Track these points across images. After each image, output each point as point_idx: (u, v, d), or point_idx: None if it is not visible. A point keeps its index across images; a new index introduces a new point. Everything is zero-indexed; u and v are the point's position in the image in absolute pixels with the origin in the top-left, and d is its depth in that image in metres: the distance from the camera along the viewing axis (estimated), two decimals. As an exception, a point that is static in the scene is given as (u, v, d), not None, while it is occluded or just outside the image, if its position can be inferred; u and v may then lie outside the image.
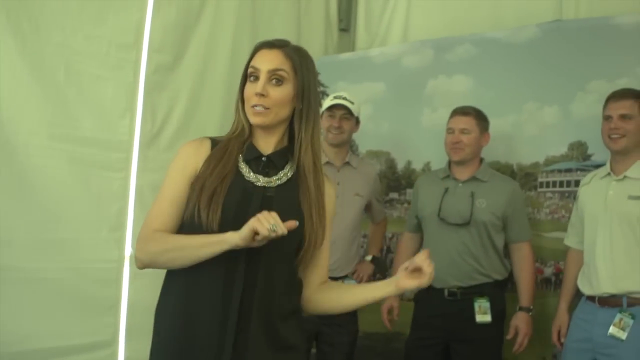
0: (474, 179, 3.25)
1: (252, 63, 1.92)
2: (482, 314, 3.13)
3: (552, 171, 3.44)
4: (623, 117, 2.83)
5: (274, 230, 1.69)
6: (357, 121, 3.47)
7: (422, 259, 1.84)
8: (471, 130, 3.24)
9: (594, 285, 2.86)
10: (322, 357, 3.37)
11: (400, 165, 3.97)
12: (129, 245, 3.30)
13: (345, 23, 4.63)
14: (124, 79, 3.35)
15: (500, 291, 3.23)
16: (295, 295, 1.98)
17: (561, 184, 3.31)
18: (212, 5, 3.78)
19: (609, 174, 2.92)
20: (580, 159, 3.34)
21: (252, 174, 1.93)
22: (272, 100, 1.88)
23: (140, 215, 3.28)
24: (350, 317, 3.35)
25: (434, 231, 3.26)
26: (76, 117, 3.16)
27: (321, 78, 4.28)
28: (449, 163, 3.34)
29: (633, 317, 2.72)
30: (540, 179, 3.48)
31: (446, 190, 3.26)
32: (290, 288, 1.96)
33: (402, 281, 1.88)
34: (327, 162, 3.39)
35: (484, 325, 3.12)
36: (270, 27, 4.04)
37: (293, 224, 1.75)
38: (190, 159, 1.94)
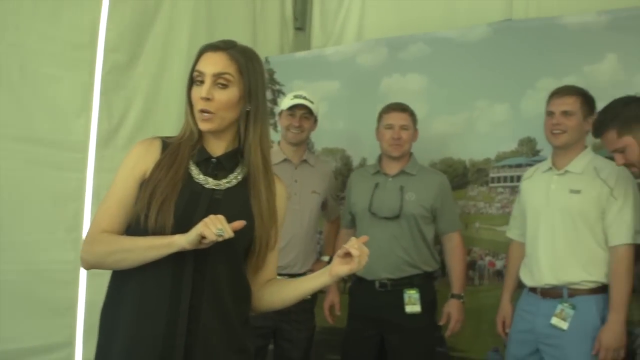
0: (403, 173, 3.32)
1: (197, 67, 1.89)
2: (412, 305, 3.21)
3: (503, 167, 3.53)
4: (565, 113, 2.92)
5: (221, 235, 1.70)
6: (315, 120, 3.51)
7: (351, 244, 1.83)
8: (409, 127, 3.32)
9: (535, 277, 2.95)
10: (280, 353, 3.42)
11: (356, 162, 4.02)
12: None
13: (301, 22, 4.67)
14: (80, 79, 3.35)
15: (430, 282, 3.33)
16: (247, 296, 1.97)
17: (511, 179, 3.39)
18: (167, 5, 3.78)
19: (550, 168, 3.01)
20: (529, 154, 3.43)
21: (201, 175, 1.91)
22: (217, 104, 1.86)
23: None
24: (307, 314, 3.41)
25: (365, 225, 3.33)
26: (31, 118, 3.14)
27: (277, 76, 4.34)
28: (380, 158, 3.41)
29: (574, 308, 2.82)
30: (491, 175, 3.57)
31: (376, 185, 3.33)
32: (240, 290, 1.94)
33: (335, 268, 1.86)
34: (285, 160, 3.44)
35: (414, 315, 3.20)
36: (226, 27, 4.05)
37: (240, 224, 1.75)
38: (140, 160, 1.92)
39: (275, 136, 3.74)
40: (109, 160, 3.38)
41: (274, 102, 4.05)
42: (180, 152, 1.92)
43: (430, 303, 3.26)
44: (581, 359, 2.78)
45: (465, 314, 3.28)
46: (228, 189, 1.92)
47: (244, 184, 1.94)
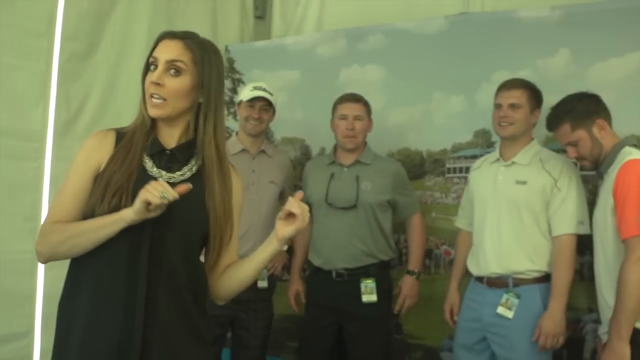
0: (357, 162, 3.36)
1: (153, 53, 1.90)
2: (368, 294, 3.26)
3: (459, 157, 3.60)
4: (512, 106, 3.00)
5: (165, 197, 1.72)
6: (274, 111, 3.53)
7: (291, 204, 1.84)
8: (363, 117, 3.35)
9: (481, 266, 3.04)
10: (238, 342, 3.46)
11: (315, 152, 4.05)
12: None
13: (261, 10, 4.66)
14: (37, 68, 3.31)
15: (386, 271, 3.39)
16: (204, 288, 1.98)
17: (467, 169, 3.44)
18: (126, -8, 3.75)
19: (498, 159, 3.09)
20: (484, 145, 3.50)
21: (155, 168, 1.91)
22: (168, 90, 1.87)
23: None
24: (265, 303, 3.46)
25: (322, 216, 3.37)
26: (-13, 107, 3.10)
27: (237, 65, 4.34)
28: (335, 148, 3.45)
29: (518, 297, 2.91)
30: (447, 165, 3.64)
31: (332, 175, 3.37)
32: (197, 281, 1.95)
33: (280, 231, 1.86)
34: (243, 150, 3.46)
35: (371, 304, 3.25)
36: (186, 15, 4.05)
37: (186, 187, 1.77)
38: (94, 152, 1.92)
39: (234, 125, 3.74)
40: (67, 150, 3.34)
41: (234, 91, 4.06)
42: (134, 142, 1.92)
43: (387, 292, 3.32)
44: (526, 346, 2.87)
45: (422, 302, 3.36)
46: (181, 181, 1.91)
47: (198, 176, 1.94)
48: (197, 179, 1.93)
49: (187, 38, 1.92)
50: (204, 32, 3.98)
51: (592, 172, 2.95)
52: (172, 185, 1.83)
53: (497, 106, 3.07)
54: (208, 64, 1.92)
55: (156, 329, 1.83)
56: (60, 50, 3.38)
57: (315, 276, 3.42)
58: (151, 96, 1.88)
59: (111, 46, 3.67)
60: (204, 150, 1.94)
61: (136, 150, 1.91)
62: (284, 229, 1.86)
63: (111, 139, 1.94)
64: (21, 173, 3.24)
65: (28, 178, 3.27)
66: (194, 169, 1.95)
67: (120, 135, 1.95)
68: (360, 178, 3.31)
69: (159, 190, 1.72)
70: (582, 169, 2.96)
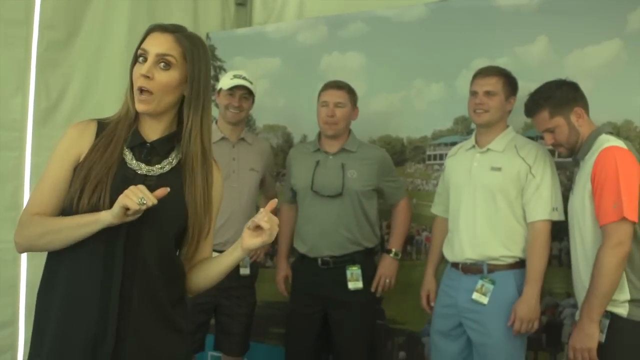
0: (343, 150, 3.37)
1: (142, 45, 1.89)
2: (354, 281, 3.29)
3: (439, 144, 3.62)
4: (487, 93, 3.03)
5: (144, 203, 1.72)
6: (253, 100, 3.54)
7: (260, 216, 1.84)
8: (345, 104, 3.35)
9: (456, 252, 3.07)
10: (220, 329, 3.49)
11: (296, 139, 4.06)
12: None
13: (242, -3, 4.66)
14: (15, 57, 3.29)
15: (371, 258, 3.41)
16: (179, 280, 1.99)
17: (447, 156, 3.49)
18: (106, -22, 3.72)
19: (473, 146, 3.12)
20: (464, 133, 3.52)
21: (134, 161, 1.91)
22: (156, 84, 1.86)
23: None
24: (247, 290, 3.49)
25: (307, 203, 3.38)
26: (-34, 96, 3.09)
27: (218, 53, 4.33)
28: (319, 136, 3.45)
29: (493, 283, 2.95)
30: (428, 152, 3.66)
31: (317, 163, 3.37)
32: (171, 272, 1.96)
33: (246, 241, 1.88)
34: (223, 138, 3.46)
35: (357, 291, 3.28)
36: (167, 1, 4.05)
37: (163, 191, 1.78)
38: (74, 143, 1.91)
39: (215, 112, 3.74)
40: (47, 139, 3.34)
41: (215, 79, 4.05)
42: (117, 133, 1.92)
43: (371, 278, 3.34)
44: (501, 331, 2.91)
45: (403, 287, 3.40)
46: (160, 174, 1.93)
47: (177, 169, 1.95)
48: (176, 172, 1.94)
49: (178, 32, 1.92)
50: (185, 19, 4.07)
51: (568, 159, 2.99)
52: (150, 179, 1.88)
53: (473, 93, 3.09)
54: (198, 59, 1.92)
55: (130, 322, 1.84)
56: (39, 39, 3.36)
57: (300, 264, 3.43)
58: (140, 90, 1.87)
59: (91, 34, 3.65)
60: (189, 144, 1.93)
61: (117, 141, 1.91)
62: (250, 240, 1.88)
63: (92, 129, 1.94)
64: (2, 162, 3.24)
65: (9, 167, 3.26)
66: (173, 162, 1.96)
67: (102, 125, 1.95)
68: (346, 166, 3.31)
69: (138, 196, 1.73)
70: (559, 156, 2.99)
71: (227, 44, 4.34)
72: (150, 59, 1.87)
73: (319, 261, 3.32)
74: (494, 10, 3.49)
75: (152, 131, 1.96)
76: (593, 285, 2.56)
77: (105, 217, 1.77)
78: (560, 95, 2.82)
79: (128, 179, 1.87)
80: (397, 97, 3.78)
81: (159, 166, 1.94)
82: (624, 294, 2.56)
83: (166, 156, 1.96)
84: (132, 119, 1.95)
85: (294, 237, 3.49)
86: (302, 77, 4.05)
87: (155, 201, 1.75)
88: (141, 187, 1.75)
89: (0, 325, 3.20)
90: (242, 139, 3.55)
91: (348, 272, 3.28)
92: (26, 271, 3.28)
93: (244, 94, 3.44)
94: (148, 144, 1.94)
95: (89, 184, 1.84)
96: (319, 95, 3.41)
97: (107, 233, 1.81)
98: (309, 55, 4.08)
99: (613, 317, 2.57)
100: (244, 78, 3.45)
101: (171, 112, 1.96)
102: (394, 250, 3.39)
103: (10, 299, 3.24)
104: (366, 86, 3.80)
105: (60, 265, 1.87)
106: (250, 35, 4.38)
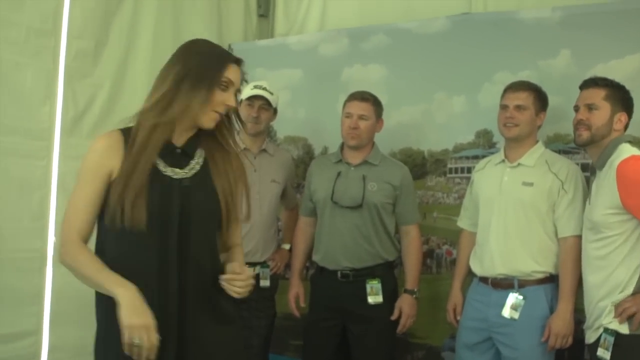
0: (365, 162, 3.36)
1: (227, 74, 2.02)
2: (374, 295, 3.26)
3: (461, 158, 3.63)
4: (518, 107, 3.02)
5: (137, 344, 1.81)
6: (275, 111, 3.55)
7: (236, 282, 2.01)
8: (369, 117, 3.33)
9: (486, 267, 3.06)
10: None
11: (317, 151, 4.07)
12: (52, 233, 3.29)
13: (264, 9, 4.68)
14: (43, 66, 3.32)
15: (391, 271, 3.39)
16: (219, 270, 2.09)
17: (469, 170, 3.48)
18: (132, -10, 3.76)
19: (503, 160, 3.11)
20: (486, 146, 3.53)
21: (168, 168, 1.99)
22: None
23: (63, 203, 3.24)
24: (267, 302, 3.50)
25: (327, 215, 3.36)
26: (-4, 105, 3.11)
27: (240, 64, 4.35)
28: (342, 147, 3.44)
29: (524, 298, 2.95)
30: (449, 165, 3.67)
31: (339, 174, 3.35)
32: (218, 263, 2.08)
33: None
34: (245, 149, 3.45)
35: (376, 305, 3.25)
36: (191, 13, 4.10)
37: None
38: (103, 158, 1.98)
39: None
40: (73, 148, 3.35)
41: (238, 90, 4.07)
42: (152, 143, 1.97)
43: (392, 292, 3.32)
44: (531, 346, 2.91)
45: (424, 301, 3.38)
46: (194, 175, 2.02)
47: (206, 166, 2.06)
48: (205, 169, 2.06)
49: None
50: (208, 31, 4.12)
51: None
52: (186, 180, 2.00)
53: (503, 107, 3.09)
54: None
55: (189, 324, 1.96)
56: (67, 48, 3.39)
57: (319, 276, 3.41)
58: (217, 112, 2.01)
59: (117, 44, 3.68)
60: (208, 140, 2.09)
61: (152, 151, 1.98)
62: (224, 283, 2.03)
63: (120, 141, 2.00)
64: (29, 171, 3.25)
65: (36, 176, 3.28)
66: (200, 160, 2.07)
67: (127, 135, 2.00)
68: (367, 178, 3.30)
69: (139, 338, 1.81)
70: (574, 142, 2.90)
71: (249, 55, 4.29)
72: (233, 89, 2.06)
73: (339, 274, 3.30)
74: (517, 24, 3.50)
75: (179, 137, 2.04)
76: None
77: (117, 298, 1.84)
78: (623, 93, 2.79)
79: (165, 185, 1.97)
80: (418, 110, 3.79)
81: (190, 167, 2.04)
82: None
83: (192, 157, 2.05)
84: (172, 129, 2.01)
85: (313, 249, 3.47)
86: (324, 88, 4.07)
87: (155, 342, 1.82)
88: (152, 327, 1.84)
89: (24, 334, 3.21)
90: (264, 150, 3.56)
91: (368, 286, 3.26)
92: (52, 280, 3.29)
93: (263, 104, 3.45)
94: (178, 150, 2.03)
95: (128, 198, 1.90)
96: (344, 105, 3.41)
97: (158, 238, 1.93)
98: (330, 67, 4.09)
99: (618, 335, 2.57)
100: (264, 88, 3.46)
101: None
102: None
103: (35, 308, 3.25)
104: (387, 98, 3.77)
105: (114, 267, 1.95)
106: (272, 46, 4.41)
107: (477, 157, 3.45)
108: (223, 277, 2.00)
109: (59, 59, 3.38)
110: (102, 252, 2.00)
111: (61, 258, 2.00)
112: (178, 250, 1.95)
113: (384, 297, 3.27)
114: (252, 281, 2.03)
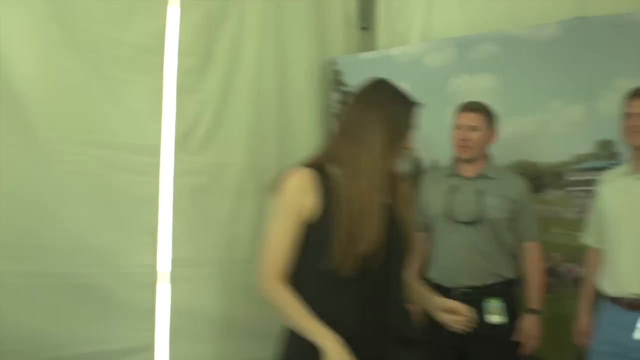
0: (481, 176, 3.24)
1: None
2: (495, 315, 3.11)
3: (580, 170, 3.45)
4: None
5: None
6: None
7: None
8: (480, 128, 3.22)
9: (618, 286, 2.86)
10: None
11: (426, 164, 3.97)
12: (162, 248, 3.32)
13: (366, 21, 4.62)
14: (153, 83, 3.35)
15: (511, 290, 3.22)
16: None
17: (590, 182, 3.28)
18: (235, 6, 3.77)
19: (632, 172, 2.92)
20: (607, 157, 3.35)
21: None
22: None
23: (179, 218, 3.36)
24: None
25: (442, 230, 3.25)
26: (108, 122, 3.16)
27: (343, 77, 4.31)
28: (455, 160, 3.33)
29: None
30: (568, 178, 3.50)
31: (453, 187, 3.24)
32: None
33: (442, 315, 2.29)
34: None
35: (497, 326, 3.10)
36: (293, 26, 4.08)
37: None
38: (299, 199, 2.03)
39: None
40: (184, 164, 3.40)
41: (342, 103, 4.02)
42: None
43: (512, 311, 3.17)
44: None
45: (547, 322, 3.21)
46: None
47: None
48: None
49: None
50: (310, 44, 4.08)
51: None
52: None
53: (627, 115, 2.90)
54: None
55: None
56: (178, 65, 3.42)
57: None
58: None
59: (223, 60, 3.69)
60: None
61: None
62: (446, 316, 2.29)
63: (310, 179, 2.05)
64: (139, 187, 3.28)
65: (146, 192, 3.30)
66: None
67: (319, 170, 2.07)
68: (484, 192, 3.18)
69: None
70: None
71: (352, 68, 4.31)
72: None
73: (456, 292, 3.12)
74: (636, 26, 3.30)
75: None
76: None
77: (327, 351, 1.90)
78: None
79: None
80: (531, 120, 3.64)
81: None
82: None
83: None
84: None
85: (429, 267, 3.34)
86: (431, 100, 3.85)
87: None
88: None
89: (137, 349, 3.21)
90: None
91: (488, 305, 3.11)
92: (170, 295, 3.29)
93: None
94: None
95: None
96: (454, 116, 3.30)
97: (360, 274, 2.00)
98: (436, 78, 3.99)
99: None
100: None
101: None
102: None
103: (147, 324, 3.26)
104: (497, 109, 3.66)
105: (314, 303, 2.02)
106: (376, 59, 4.34)
107: (598, 169, 3.26)
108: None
109: (166, 75, 3.41)
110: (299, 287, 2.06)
111: (263, 292, 2.07)
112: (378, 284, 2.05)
113: (505, 317, 3.11)
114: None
